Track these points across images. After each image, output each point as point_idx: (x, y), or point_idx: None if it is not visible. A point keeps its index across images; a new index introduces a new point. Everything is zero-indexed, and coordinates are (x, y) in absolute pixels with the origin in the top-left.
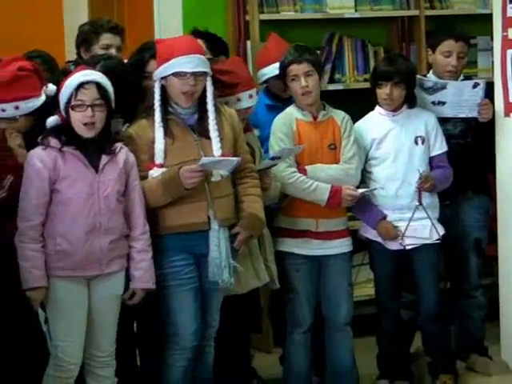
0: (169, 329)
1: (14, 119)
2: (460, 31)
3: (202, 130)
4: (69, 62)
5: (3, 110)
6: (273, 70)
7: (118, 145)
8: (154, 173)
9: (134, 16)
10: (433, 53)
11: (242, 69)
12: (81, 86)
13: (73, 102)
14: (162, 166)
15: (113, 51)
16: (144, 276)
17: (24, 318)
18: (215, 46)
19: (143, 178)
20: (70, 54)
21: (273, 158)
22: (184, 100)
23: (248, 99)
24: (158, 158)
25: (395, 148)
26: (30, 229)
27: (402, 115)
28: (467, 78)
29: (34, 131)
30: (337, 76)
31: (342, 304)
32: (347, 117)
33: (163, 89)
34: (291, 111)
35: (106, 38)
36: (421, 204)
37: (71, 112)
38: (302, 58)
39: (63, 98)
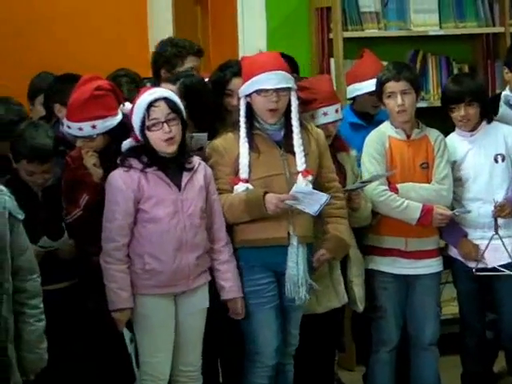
0: (250, 346)
1: (90, 138)
2: None
3: (287, 145)
4: (145, 78)
5: (80, 129)
6: (366, 86)
7: (197, 160)
8: (239, 188)
9: (218, 36)
10: (510, 71)
11: (322, 86)
12: (150, 105)
13: (147, 123)
14: (247, 181)
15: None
16: (234, 286)
17: (109, 338)
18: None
19: (225, 190)
20: None
21: (363, 182)
22: (269, 116)
23: (322, 116)
24: (243, 172)
25: (475, 169)
26: (116, 250)
27: (480, 134)
28: None
29: (109, 151)
30: (421, 93)
31: (429, 323)
32: (441, 136)
33: (249, 105)
34: (384, 128)
35: (191, 61)
36: (497, 233)
37: (148, 133)
38: (401, 75)
39: (136, 122)
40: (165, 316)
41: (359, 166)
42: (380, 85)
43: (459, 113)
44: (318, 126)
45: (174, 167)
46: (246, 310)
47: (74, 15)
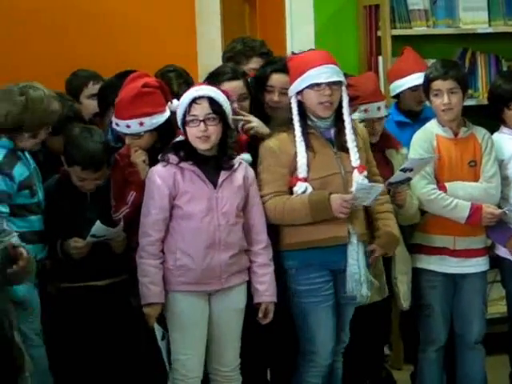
0: (305, 345)
1: (138, 135)
2: None
3: (339, 143)
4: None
5: (128, 126)
6: (407, 82)
7: (237, 160)
8: (299, 189)
9: (267, 34)
10: None
11: (365, 84)
12: (193, 101)
13: (187, 118)
14: (305, 180)
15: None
16: (268, 290)
17: (140, 334)
18: None
19: (283, 192)
20: (203, 67)
21: (404, 170)
22: (322, 110)
23: (363, 112)
24: (302, 171)
25: None
26: (150, 244)
27: None
28: None
29: (157, 149)
30: (470, 92)
31: (475, 322)
32: (488, 134)
33: (299, 103)
34: (431, 127)
35: (255, 62)
36: None
37: (186, 127)
38: (448, 74)
39: (179, 115)
40: (197, 314)
41: None
42: (427, 82)
43: None
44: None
45: (211, 165)
46: (302, 309)
47: (121, 13)
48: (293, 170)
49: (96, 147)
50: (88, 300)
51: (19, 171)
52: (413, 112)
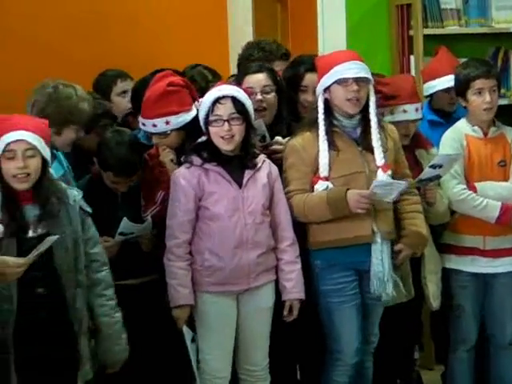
0: (331, 344)
1: (165, 134)
2: None
3: (365, 142)
4: (233, 76)
5: (154, 126)
6: (441, 83)
7: (261, 158)
8: (320, 187)
9: (298, 33)
10: None
11: (405, 83)
12: (216, 101)
13: (210, 118)
14: (327, 179)
15: None
16: (295, 287)
17: (169, 336)
18: None
19: (305, 190)
20: (235, 67)
21: (434, 167)
22: (350, 106)
23: (401, 113)
24: (323, 171)
25: None
26: (177, 246)
27: None
28: None
29: (184, 148)
30: (502, 91)
31: (508, 322)
32: None
33: (326, 102)
34: (461, 126)
35: (277, 66)
36: None
37: (210, 127)
38: (491, 73)
39: (202, 114)
40: (225, 314)
41: None
42: (467, 81)
43: None
44: (396, 123)
45: (235, 164)
46: (328, 308)
47: (152, 13)
48: (316, 168)
49: (128, 153)
50: (120, 299)
51: (54, 170)
52: (445, 112)
